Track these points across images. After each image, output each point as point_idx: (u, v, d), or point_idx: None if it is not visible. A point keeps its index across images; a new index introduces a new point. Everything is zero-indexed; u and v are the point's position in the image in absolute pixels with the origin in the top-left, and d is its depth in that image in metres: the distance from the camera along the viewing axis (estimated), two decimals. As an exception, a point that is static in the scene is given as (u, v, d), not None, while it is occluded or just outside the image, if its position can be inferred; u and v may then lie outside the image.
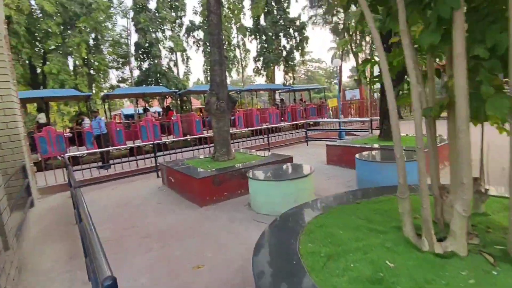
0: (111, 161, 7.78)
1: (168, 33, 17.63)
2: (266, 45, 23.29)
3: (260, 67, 25.17)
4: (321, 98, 21.72)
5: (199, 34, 21.70)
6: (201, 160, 5.89)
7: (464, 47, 1.39)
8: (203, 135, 11.89)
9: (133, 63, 17.93)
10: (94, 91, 15.76)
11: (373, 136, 7.50)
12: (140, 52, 16.87)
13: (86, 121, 9.54)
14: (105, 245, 1.14)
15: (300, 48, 24.20)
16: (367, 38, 23.38)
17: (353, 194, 2.85)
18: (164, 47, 17.81)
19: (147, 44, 16.70)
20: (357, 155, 4.73)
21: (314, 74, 50.82)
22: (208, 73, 19.99)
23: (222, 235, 3.33)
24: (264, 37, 23.13)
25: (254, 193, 4.02)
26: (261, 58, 23.81)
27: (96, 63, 13.28)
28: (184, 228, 3.67)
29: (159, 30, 17.03)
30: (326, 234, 2.02)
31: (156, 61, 16.44)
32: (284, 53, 24.04)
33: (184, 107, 15.41)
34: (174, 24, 17.64)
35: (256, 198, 3.97)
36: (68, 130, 10.03)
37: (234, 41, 21.53)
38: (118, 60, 19.02)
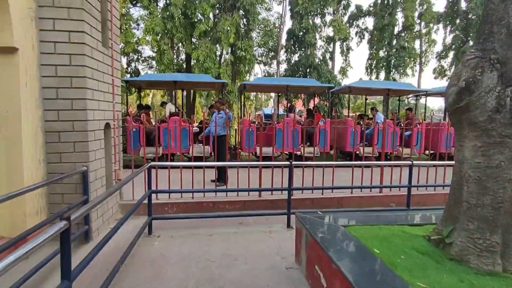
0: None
1: (329, 18, 14.84)
2: (463, 35, 16.70)
3: (446, 67, 18.59)
4: None
5: (365, 22, 17.89)
6: (398, 238, 2.41)
7: None
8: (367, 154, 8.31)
9: (282, 56, 16.31)
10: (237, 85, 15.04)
11: None
12: (292, 41, 14.86)
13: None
14: None
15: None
16: None
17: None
18: (320, 37, 15.15)
19: (301, 33, 14.49)
20: None
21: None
22: (373, 70, 15.82)
23: None
24: (463, 23, 16.60)
25: None
26: (451, 54, 17.40)
27: (243, 52, 12.06)
28: None
29: (318, 14, 14.46)
30: None
31: (309, 52, 13.94)
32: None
33: (335, 112, 12.14)
34: (338, 5, 14.65)
35: None
36: (196, 124, 8.79)
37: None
38: (266, 53, 17.98)
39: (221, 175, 5.76)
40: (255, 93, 22.44)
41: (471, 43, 17.04)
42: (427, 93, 9.67)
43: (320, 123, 8.83)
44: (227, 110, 5.86)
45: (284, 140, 8.75)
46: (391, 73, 14.83)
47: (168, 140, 8.06)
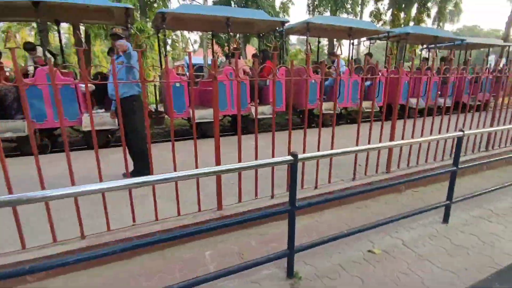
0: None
1: None
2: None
3: (382, 11, 18.18)
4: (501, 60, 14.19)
5: None
6: None
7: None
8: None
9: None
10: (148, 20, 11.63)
11: None
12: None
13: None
14: None
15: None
16: None
17: None
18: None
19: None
20: None
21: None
22: (316, 7, 13.80)
23: None
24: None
25: None
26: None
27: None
28: None
29: None
30: None
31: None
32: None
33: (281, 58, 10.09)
34: None
35: None
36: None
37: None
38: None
39: (141, 161, 3.40)
40: (170, 39, 18.41)
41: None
42: (389, 35, 8.42)
43: (270, 74, 6.83)
44: (124, 45, 3.16)
45: (228, 98, 6.54)
46: (337, 12, 13.22)
47: (40, 106, 5.01)
